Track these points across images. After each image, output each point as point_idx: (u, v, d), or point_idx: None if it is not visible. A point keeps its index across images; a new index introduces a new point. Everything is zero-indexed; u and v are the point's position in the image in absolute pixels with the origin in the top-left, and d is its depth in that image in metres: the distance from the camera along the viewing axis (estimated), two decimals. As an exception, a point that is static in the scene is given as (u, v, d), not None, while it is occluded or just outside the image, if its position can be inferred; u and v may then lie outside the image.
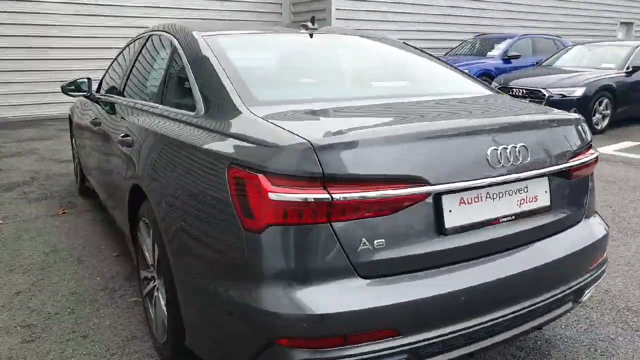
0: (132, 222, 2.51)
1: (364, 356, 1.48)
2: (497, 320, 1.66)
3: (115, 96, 3.21)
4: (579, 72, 8.04)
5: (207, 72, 2.05)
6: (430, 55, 2.74)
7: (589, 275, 1.97)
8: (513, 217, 1.76)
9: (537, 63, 9.97)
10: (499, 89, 8.31)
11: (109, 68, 3.88)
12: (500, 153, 1.69)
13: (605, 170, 5.54)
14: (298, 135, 1.50)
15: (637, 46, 8.39)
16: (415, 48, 2.78)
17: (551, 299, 1.80)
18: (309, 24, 2.64)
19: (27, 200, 4.61)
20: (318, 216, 1.46)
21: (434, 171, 1.57)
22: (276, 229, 1.47)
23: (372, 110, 1.88)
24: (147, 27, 10.24)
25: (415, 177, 1.54)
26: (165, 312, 2.06)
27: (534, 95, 7.76)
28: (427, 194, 1.56)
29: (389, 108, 1.92)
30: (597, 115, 7.68)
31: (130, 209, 2.46)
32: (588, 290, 2.03)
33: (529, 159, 1.75)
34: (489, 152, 1.67)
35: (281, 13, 12.40)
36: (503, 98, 2.32)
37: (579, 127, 2.04)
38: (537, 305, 1.76)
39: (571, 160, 1.91)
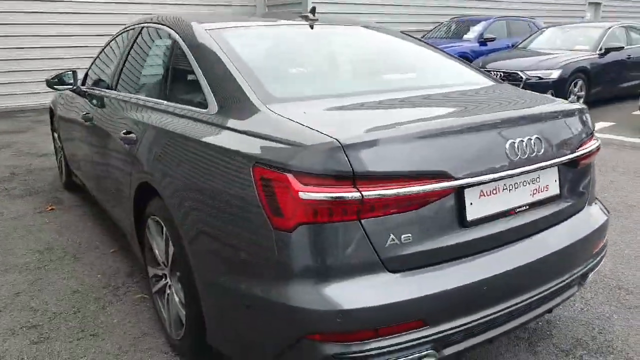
0: (137, 219, 2.48)
1: (393, 347, 1.52)
2: (515, 307, 1.73)
3: (107, 90, 3.13)
4: (554, 54, 8.21)
5: (217, 68, 2.02)
6: (431, 45, 2.77)
7: (593, 259, 2.06)
8: (527, 206, 1.82)
9: (512, 45, 10.13)
10: (477, 72, 8.46)
11: (94, 60, 3.77)
12: (518, 145, 1.74)
13: (583, 151, 5.71)
14: (326, 134, 1.51)
15: (609, 28, 8.63)
16: (416, 38, 2.80)
17: (562, 283, 1.89)
18: (310, 15, 2.62)
19: (10, 197, 4.49)
20: (348, 214, 1.48)
21: (457, 165, 1.61)
22: (307, 227, 1.49)
23: (391, 105, 1.90)
24: (116, 18, 9.92)
25: (440, 172, 1.57)
26: (182, 309, 2.07)
27: (511, 78, 7.90)
28: (452, 189, 1.60)
29: (406, 102, 1.95)
30: (572, 97, 7.89)
31: (136, 206, 2.44)
32: (592, 273, 2.12)
33: (542, 150, 1.81)
34: (507, 145, 1.72)
35: (255, -2, 12.18)
36: (507, 88, 2.38)
37: (584, 116, 2.11)
38: (550, 290, 1.84)
39: (578, 149, 1.98)
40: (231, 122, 1.82)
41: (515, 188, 1.79)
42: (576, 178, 2.04)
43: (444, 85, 2.26)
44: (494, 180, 1.69)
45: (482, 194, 1.69)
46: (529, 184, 1.83)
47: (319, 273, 1.50)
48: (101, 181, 3.13)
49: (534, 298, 1.79)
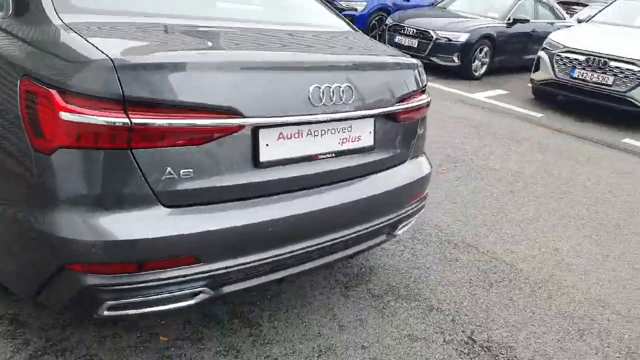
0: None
1: (160, 282, 1.49)
2: (305, 250, 1.75)
3: None
4: (467, 18, 8.34)
5: None
6: None
7: (404, 211, 2.13)
8: (333, 154, 1.81)
9: (433, 4, 10.16)
10: (392, 26, 8.45)
11: None
12: (323, 91, 1.69)
13: (471, 115, 5.96)
14: (100, 51, 1.38)
15: (521, -1, 8.85)
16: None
17: (363, 232, 1.93)
18: None
19: None
20: (116, 141, 1.38)
21: (250, 104, 1.54)
22: (68, 152, 1.37)
23: (200, 33, 1.77)
24: None
25: (228, 108, 1.50)
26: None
27: (423, 36, 7.97)
28: (241, 127, 1.54)
29: (222, 33, 1.83)
30: (477, 62, 8.13)
31: None
32: (404, 225, 2.20)
33: (353, 99, 1.78)
34: (310, 90, 1.66)
35: None
36: (355, 36, 2.32)
37: (415, 71, 2.11)
38: (347, 237, 1.87)
39: (399, 103, 1.98)
40: (15, 28, 1.62)
41: (321, 134, 1.77)
42: (397, 132, 2.05)
43: (285, 23, 2.16)
44: (293, 124, 1.65)
45: (281, 136, 1.65)
46: (338, 132, 1.82)
47: (82, 202, 1.40)
48: None
49: (328, 244, 1.81)
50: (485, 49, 8.17)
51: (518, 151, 4.86)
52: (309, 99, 1.67)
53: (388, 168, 2.06)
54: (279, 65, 1.64)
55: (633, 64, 5.82)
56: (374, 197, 1.93)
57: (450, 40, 7.82)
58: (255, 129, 1.58)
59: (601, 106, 6.26)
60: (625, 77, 5.88)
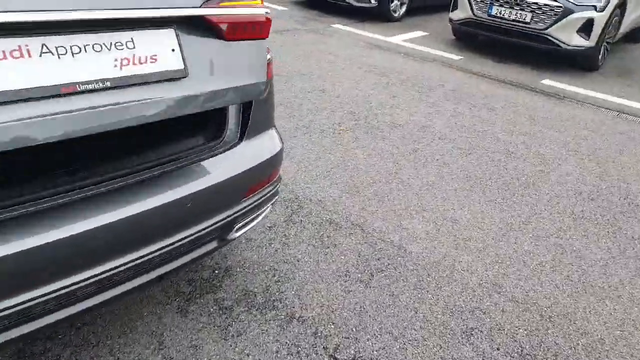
0: None
1: None
2: (56, 294, 1.20)
3: None
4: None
5: None
6: None
7: (241, 207, 1.62)
8: (107, 83, 1.15)
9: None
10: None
11: None
12: None
13: (385, 62, 5.45)
14: None
15: None
16: None
17: (161, 252, 1.39)
18: None
19: None
20: None
21: None
22: None
23: None
24: None
25: None
26: None
27: (337, -26, 7.25)
28: None
29: None
30: (396, 2, 7.54)
31: None
32: (244, 223, 1.70)
33: None
34: None
35: None
36: None
37: None
38: (137, 263, 1.34)
39: (215, 6, 1.33)
40: None
41: (74, 53, 1.11)
42: (224, 57, 1.39)
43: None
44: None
45: None
46: (110, 48, 1.16)
47: None
48: None
49: (98, 279, 1.27)
50: (405, -14, 7.58)
51: (429, 101, 4.43)
52: None
53: (214, 142, 1.51)
54: None
55: (551, -1, 5.45)
56: (175, 202, 1.38)
57: (366, -23, 7.16)
58: None
59: (521, 45, 5.92)
60: (543, 13, 5.52)
